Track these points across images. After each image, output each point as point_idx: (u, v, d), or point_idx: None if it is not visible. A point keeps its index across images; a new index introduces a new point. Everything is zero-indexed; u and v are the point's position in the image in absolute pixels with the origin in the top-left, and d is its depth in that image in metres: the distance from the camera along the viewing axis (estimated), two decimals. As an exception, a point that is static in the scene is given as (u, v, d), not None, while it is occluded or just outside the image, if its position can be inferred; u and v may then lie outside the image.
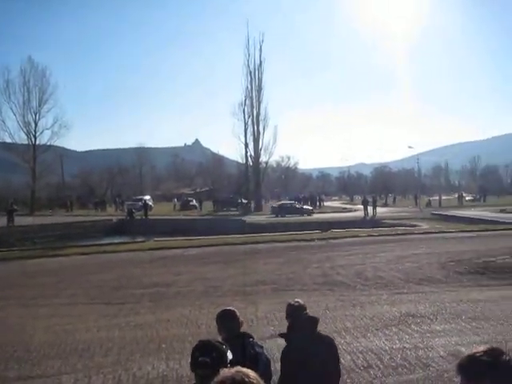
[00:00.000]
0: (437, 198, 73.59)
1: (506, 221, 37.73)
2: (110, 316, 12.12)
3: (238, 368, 1.94)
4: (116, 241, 33.00)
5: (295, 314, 4.53)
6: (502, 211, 51.09)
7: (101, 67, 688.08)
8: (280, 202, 59.16)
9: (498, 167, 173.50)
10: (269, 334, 9.37)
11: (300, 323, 4.41)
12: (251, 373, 1.89)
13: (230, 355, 2.94)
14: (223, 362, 2.78)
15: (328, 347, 4.50)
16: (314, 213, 54.69)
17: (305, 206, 57.84)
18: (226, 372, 1.92)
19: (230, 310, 4.41)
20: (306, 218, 48.91)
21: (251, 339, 4.26)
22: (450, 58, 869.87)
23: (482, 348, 1.96)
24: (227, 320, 4.29)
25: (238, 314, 4.36)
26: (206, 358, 2.84)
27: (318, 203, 68.75)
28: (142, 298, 14.22)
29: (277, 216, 50.90)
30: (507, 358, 1.90)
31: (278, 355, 6.98)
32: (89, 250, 26.06)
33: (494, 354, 1.91)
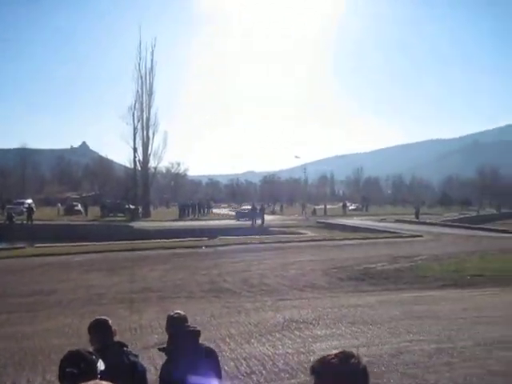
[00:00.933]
0: (322, 206, 75.83)
1: (385, 229, 39.66)
2: (-16, 327, 11.41)
3: (96, 381, 1.85)
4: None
5: (176, 326, 4.40)
6: (382, 220, 53.74)
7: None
8: (246, 207, 59.93)
9: (379, 179, 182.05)
10: (153, 342, 9.18)
11: (181, 336, 4.28)
12: None
13: (101, 366, 2.81)
14: (93, 373, 2.65)
15: (210, 359, 4.41)
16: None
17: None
18: None
19: (102, 319, 4.27)
20: (198, 223, 48.75)
21: (125, 348, 4.14)
22: (336, 74, 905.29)
23: (333, 351, 2.05)
24: (99, 330, 4.15)
25: (110, 322, 4.22)
26: (73, 369, 2.70)
27: (206, 210, 68.49)
28: (19, 308, 13.50)
29: (238, 220, 53.54)
30: (356, 360, 1.99)
31: (161, 364, 6.90)
32: (-39, 257, 24.39)
33: (343, 357, 2.00)
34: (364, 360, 2.03)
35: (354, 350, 2.06)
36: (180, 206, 66.45)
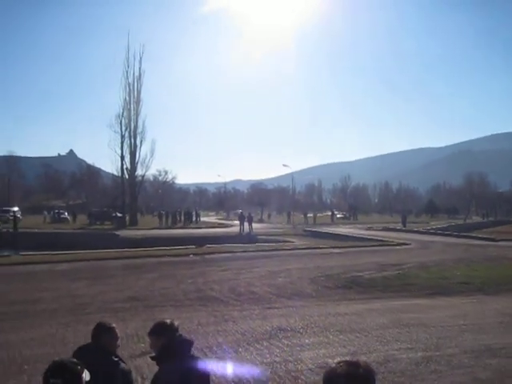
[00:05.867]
0: (310, 215, 75.85)
1: (373, 238, 39.71)
2: (-32, 335, 11.23)
3: None
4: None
5: (168, 334, 4.28)
6: (369, 229, 53.81)
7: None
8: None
9: (367, 186, 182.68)
10: (139, 351, 9.09)
11: (175, 345, 4.17)
12: None
13: (86, 376, 2.76)
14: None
15: (202, 371, 4.32)
16: None
17: None
18: None
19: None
20: (186, 231, 48.53)
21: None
22: (326, 83, 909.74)
23: (342, 362, 2.03)
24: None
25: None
26: (57, 380, 2.64)
27: (195, 218, 68.31)
28: (3, 317, 13.29)
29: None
30: (362, 370, 2.00)
31: (148, 373, 6.83)
32: None
33: (352, 366, 2.01)
34: (371, 366, 2.04)
35: (357, 358, 2.05)
36: (158, 213, 66.40)
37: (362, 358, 2.15)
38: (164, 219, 61.72)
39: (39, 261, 25.05)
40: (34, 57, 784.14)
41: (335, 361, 2.13)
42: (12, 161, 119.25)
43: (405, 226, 55.52)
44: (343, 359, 2.11)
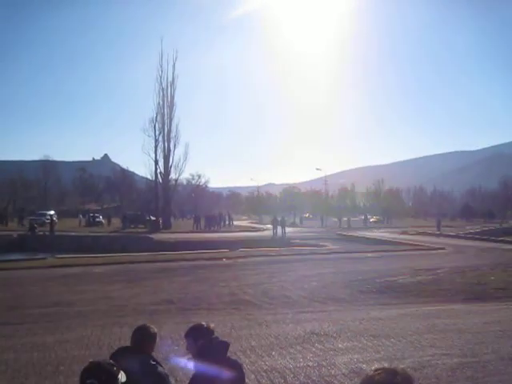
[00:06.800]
0: (345, 219, 75.41)
1: (407, 242, 39.33)
2: (5, 337, 11.45)
3: None
4: (15, 257, 31.48)
5: (206, 337, 4.31)
6: (403, 233, 53.24)
7: (4, 76, 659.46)
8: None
9: (401, 190, 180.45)
10: (173, 354, 9.16)
11: (211, 348, 4.20)
12: None
13: (122, 378, 2.80)
14: None
15: (237, 373, 4.33)
16: None
17: None
18: None
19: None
20: (219, 235, 48.76)
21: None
22: (358, 86, 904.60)
23: (379, 369, 2.03)
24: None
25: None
26: (93, 381, 2.69)
27: (227, 222, 68.50)
28: (40, 318, 13.56)
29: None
30: (400, 378, 1.98)
31: (182, 376, 6.87)
32: (-16, 267, 24.63)
33: (390, 374, 1.99)
34: (409, 373, 2.03)
35: (395, 366, 2.04)
36: (194, 217, 66.77)
37: (398, 364, 2.12)
38: (198, 223, 62.11)
39: (75, 263, 25.49)
40: (68, 64, 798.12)
41: (370, 367, 2.13)
42: (48, 165, 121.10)
43: (439, 231, 54.78)
44: (380, 366, 2.10)
